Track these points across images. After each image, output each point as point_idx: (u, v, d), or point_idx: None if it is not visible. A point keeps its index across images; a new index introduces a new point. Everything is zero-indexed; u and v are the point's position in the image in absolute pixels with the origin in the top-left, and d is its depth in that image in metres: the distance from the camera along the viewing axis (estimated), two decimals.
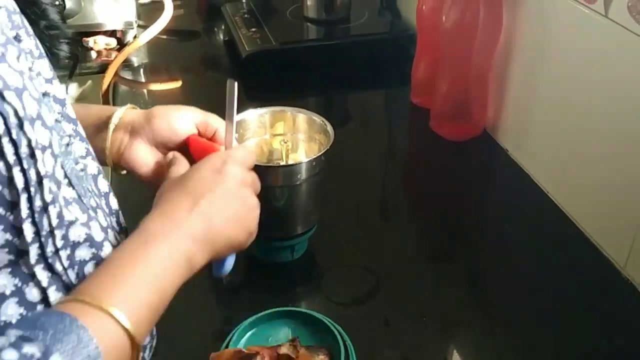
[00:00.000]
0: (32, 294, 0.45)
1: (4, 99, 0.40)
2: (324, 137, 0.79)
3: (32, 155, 0.42)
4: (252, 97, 1.16)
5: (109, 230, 0.53)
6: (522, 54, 0.98)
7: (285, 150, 0.82)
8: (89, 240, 0.49)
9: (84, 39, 1.35)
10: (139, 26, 1.42)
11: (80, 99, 1.30)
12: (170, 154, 0.64)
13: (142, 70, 1.37)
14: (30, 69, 0.48)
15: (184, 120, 0.65)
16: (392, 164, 1.09)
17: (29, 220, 0.42)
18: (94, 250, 0.49)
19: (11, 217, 0.42)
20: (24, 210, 0.42)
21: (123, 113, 0.65)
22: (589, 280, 0.82)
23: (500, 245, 0.88)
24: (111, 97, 1.24)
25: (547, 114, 0.94)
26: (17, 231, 0.42)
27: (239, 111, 0.65)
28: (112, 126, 0.65)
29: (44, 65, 0.50)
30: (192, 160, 0.63)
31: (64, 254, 0.46)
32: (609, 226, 0.83)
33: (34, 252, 0.44)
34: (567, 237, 0.88)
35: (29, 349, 0.38)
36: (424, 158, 1.10)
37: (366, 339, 0.70)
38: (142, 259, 0.49)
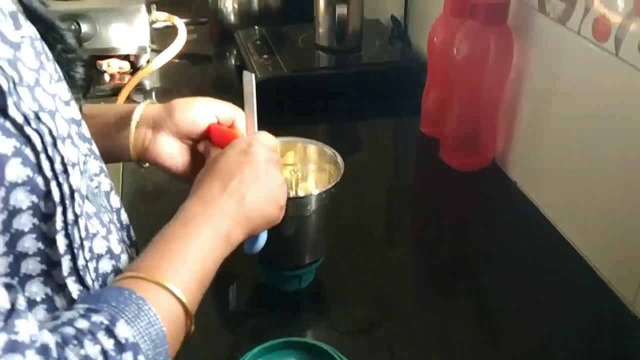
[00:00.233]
0: (61, 303, 0.47)
1: (39, 119, 0.43)
2: (334, 168, 0.79)
3: (65, 170, 0.45)
4: (263, 123, 1.16)
5: (121, 243, 0.55)
6: (532, 88, 0.99)
7: (295, 179, 0.82)
8: (110, 252, 0.52)
9: (98, 62, 1.37)
10: (152, 50, 1.44)
11: None
12: (202, 146, 0.67)
13: (154, 93, 1.38)
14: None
15: (204, 110, 0.68)
16: (400, 194, 1.09)
17: (62, 232, 0.45)
18: (113, 262, 0.52)
19: (45, 228, 0.44)
20: (59, 223, 0.45)
21: (143, 109, 0.68)
22: (596, 314, 0.81)
23: (506, 278, 0.88)
24: None
25: (557, 148, 0.94)
26: (50, 242, 0.45)
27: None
28: (134, 122, 0.66)
29: (63, 88, 0.52)
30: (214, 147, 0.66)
31: (91, 266, 0.49)
32: (617, 261, 0.83)
33: (66, 264, 0.46)
34: (575, 271, 0.88)
35: (97, 318, 0.43)
36: (432, 188, 1.10)
37: None
38: (185, 238, 0.53)
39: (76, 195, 0.46)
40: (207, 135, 0.68)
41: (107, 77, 1.38)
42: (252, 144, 0.63)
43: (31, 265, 0.45)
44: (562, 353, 0.75)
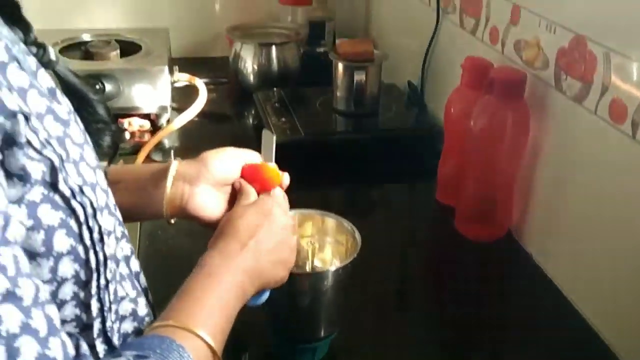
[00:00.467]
0: None
1: (83, 193, 0.47)
2: (352, 242, 0.80)
3: (101, 239, 0.49)
4: None
5: (142, 306, 0.58)
6: (548, 162, 0.99)
7: (312, 250, 0.83)
8: (134, 314, 0.55)
9: (120, 120, 1.40)
10: (172, 108, 1.47)
11: None
12: (237, 182, 0.71)
13: (172, 152, 1.40)
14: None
15: (235, 157, 0.72)
16: (414, 263, 1.09)
17: (96, 297, 0.48)
18: (136, 324, 0.56)
19: (81, 294, 0.48)
20: (94, 288, 0.48)
21: (177, 166, 0.70)
22: None
23: (520, 353, 0.87)
24: None
25: (573, 223, 0.95)
26: (84, 306, 0.48)
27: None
28: (170, 177, 0.68)
29: (91, 154, 0.54)
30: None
31: (115, 326, 0.52)
32: (636, 342, 0.82)
33: (96, 326, 0.49)
34: (591, 351, 0.87)
35: None
36: (447, 258, 1.10)
37: None
38: (210, 288, 0.58)
39: (109, 262, 0.49)
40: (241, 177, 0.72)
41: (127, 135, 1.40)
42: (273, 209, 0.68)
43: (67, 331, 0.47)
44: None
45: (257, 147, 1.41)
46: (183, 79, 1.43)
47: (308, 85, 1.57)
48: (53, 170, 0.44)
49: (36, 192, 0.44)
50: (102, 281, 0.49)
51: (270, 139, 0.69)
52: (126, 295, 0.54)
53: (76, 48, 1.53)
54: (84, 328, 0.49)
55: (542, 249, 1.03)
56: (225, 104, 1.64)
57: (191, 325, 0.53)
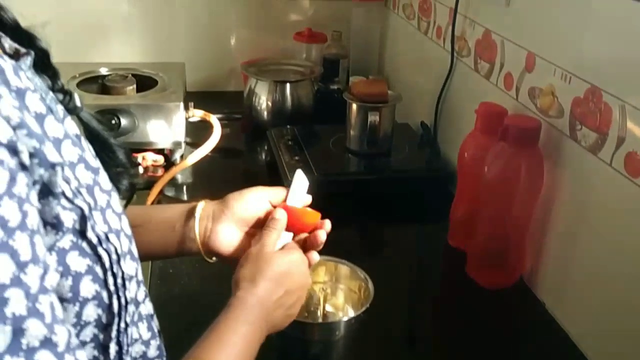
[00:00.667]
0: None
1: (108, 239, 0.48)
2: (365, 289, 0.80)
3: (124, 284, 0.50)
4: None
5: (154, 349, 0.59)
6: (562, 211, 0.99)
7: (323, 296, 0.83)
8: (143, 356, 0.56)
9: (134, 154, 1.41)
10: (186, 143, 1.48)
11: None
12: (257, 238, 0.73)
13: (185, 187, 1.41)
14: None
15: (258, 199, 0.75)
16: (425, 309, 1.08)
17: (115, 340, 0.50)
18: None
19: (101, 337, 0.49)
20: (114, 332, 0.49)
21: (203, 206, 0.75)
22: None
23: None
24: None
25: (587, 273, 0.94)
26: (103, 349, 0.49)
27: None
28: (197, 216, 0.73)
29: (116, 200, 0.55)
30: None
31: None
32: None
33: None
34: None
35: None
36: (458, 304, 1.09)
37: None
38: (232, 338, 0.61)
39: (130, 306, 0.51)
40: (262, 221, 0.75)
41: (140, 170, 1.41)
42: (304, 269, 0.72)
43: None
44: None
45: (267, 184, 1.42)
46: (198, 114, 1.44)
47: (321, 121, 1.58)
48: (82, 219, 0.46)
49: (66, 240, 0.45)
50: (122, 325, 0.50)
51: (303, 180, 0.72)
52: (139, 338, 0.55)
53: (93, 81, 1.55)
54: None
55: (556, 298, 1.02)
56: (238, 140, 1.66)
57: None
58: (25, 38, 0.54)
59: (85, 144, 0.54)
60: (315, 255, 0.75)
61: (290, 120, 1.57)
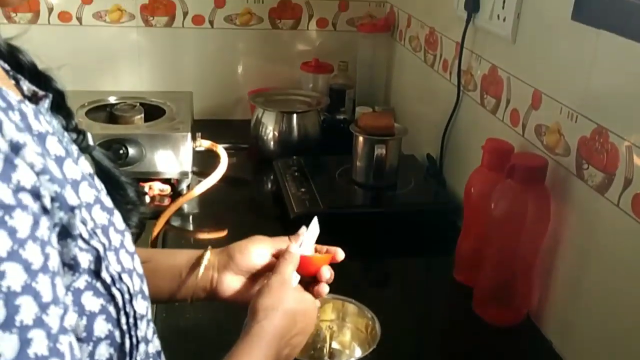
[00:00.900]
0: None
1: (121, 279, 0.49)
2: (371, 328, 0.79)
3: (135, 323, 0.50)
4: None
5: None
6: (568, 250, 0.99)
7: (330, 334, 0.82)
8: None
9: (140, 184, 1.41)
10: (193, 173, 1.49)
11: None
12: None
13: (191, 217, 1.41)
14: None
15: (261, 251, 0.78)
16: (430, 345, 1.07)
17: None
18: None
19: None
20: None
21: (209, 257, 0.77)
22: None
23: None
24: (160, 244, 1.28)
25: (594, 312, 0.93)
26: None
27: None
28: (202, 267, 0.76)
29: (129, 240, 0.55)
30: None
31: None
32: None
33: None
34: None
35: None
36: (464, 341, 1.08)
37: None
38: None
39: (141, 344, 0.51)
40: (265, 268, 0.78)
41: (147, 199, 1.41)
42: (315, 314, 0.74)
43: None
44: None
45: (273, 214, 1.42)
46: (205, 145, 1.45)
47: (327, 150, 1.59)
48: (97, 259, 0.47)
49: (82, 280, 0.46)
50: None
51: (315, 229, 0.76)
52: None
53: (101, 110, 1.56)
54: None
55: (562, 336, 1.01)
56: (244, 169, 1.66)
57: None
58: (42, 80, 0.55)
59: (99, 183, 0.55)
60: (324, 289, 0.77)
61: (297, 149, 1.58)
